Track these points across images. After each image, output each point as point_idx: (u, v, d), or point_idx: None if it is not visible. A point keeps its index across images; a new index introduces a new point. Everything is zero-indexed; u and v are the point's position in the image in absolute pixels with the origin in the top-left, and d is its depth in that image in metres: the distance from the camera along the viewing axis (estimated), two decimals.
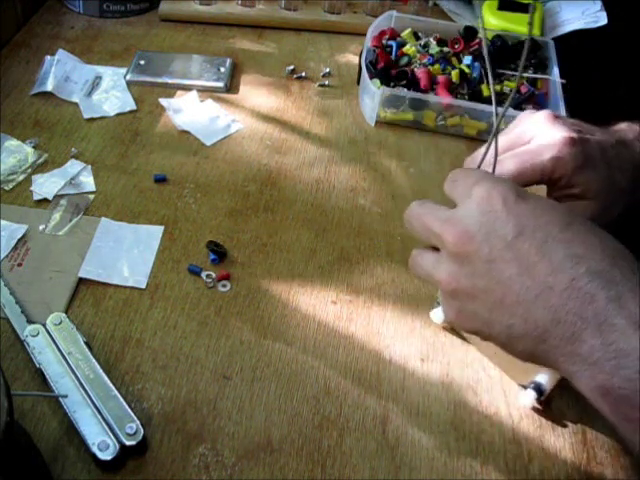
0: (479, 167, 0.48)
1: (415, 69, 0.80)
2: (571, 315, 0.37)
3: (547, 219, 0.39)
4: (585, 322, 0.37)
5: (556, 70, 0.81)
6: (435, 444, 0.51)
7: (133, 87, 0.80)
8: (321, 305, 0.59)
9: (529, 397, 0.52)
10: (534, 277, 0.38)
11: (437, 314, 0.58)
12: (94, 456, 0.46)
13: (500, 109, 0.46)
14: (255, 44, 0.91)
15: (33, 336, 0.52)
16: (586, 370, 0.37)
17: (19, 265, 0.59)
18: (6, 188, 0.66)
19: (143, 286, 0.59)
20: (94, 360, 0.51)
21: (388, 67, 0.80)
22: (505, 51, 0.84)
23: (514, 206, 0.40)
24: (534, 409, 0.53)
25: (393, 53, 0.83)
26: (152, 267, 0.61)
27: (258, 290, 0.60)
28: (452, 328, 0.58)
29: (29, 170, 0.68)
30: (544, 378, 0.52)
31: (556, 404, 0.54)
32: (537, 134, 0.52)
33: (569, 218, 0.40)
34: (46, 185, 0.67)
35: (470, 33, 0.84)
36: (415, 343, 0.57)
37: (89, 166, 0.69)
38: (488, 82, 0.80)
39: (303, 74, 0.85)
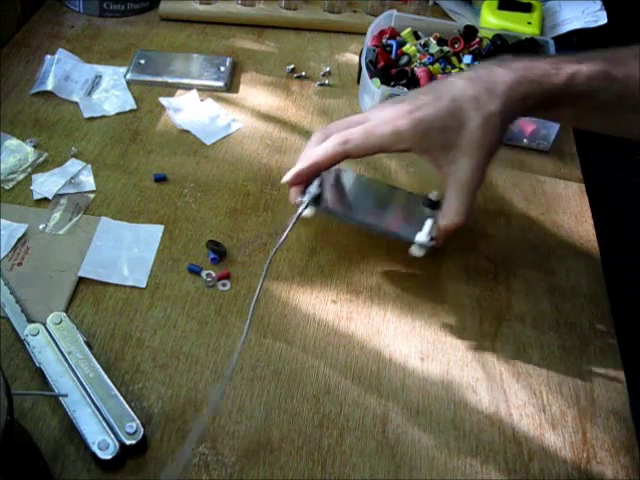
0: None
1: (415, 68, 0.80)
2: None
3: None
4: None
5: None
6: (435, 443, 0.51)
7: (133, 86, 0.80)
8: (321, 304, 0.59)
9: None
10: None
11: (421, 238, 0.58)
12: (94, 455, 0.46)
13: None
14: (255, 43, 0.91)
15: (33, 335, 0.52)
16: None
17: (19, 264, 0.59)
18: (6, 187, 0.66)
19: (143, 285, 0.59)
20: (94, 359, 0.51)
21: (388, 66, 0.80)
22: (505, 50, 0.84)
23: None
24: None
25: (393, 52, 0.83)
26: (152, 266, 0.61)
27: None
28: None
29: (29, 169, 0.68)
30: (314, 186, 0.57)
31: (556, 403, 0.54)
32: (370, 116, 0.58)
33: None
34: (46, 184, 0.67)
35: (470, 32, 0.84)
36: (415, 342, 0.57)
37: (89, 165, 0.70)
38: None
39: (303, 73, 0.85)
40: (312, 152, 0.58)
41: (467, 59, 0.82)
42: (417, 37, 0.86)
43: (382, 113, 0.57)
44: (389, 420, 0.52)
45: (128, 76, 0.81)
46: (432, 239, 0.57)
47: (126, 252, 0.61)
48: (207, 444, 0.49)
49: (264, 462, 0.49)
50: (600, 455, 0.51)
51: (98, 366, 0.51)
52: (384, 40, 0.84)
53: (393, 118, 0.56)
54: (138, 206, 0.66)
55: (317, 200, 0.58)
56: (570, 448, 0.51)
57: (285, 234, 0.54)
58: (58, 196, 0.66)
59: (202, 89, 0.81)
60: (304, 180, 0.58)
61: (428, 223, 0.58)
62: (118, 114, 0.76)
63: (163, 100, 0.79)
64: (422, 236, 0.57)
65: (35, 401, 0.50)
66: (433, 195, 0.62)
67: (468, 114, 0.55)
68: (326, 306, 0.59)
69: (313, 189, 0.57)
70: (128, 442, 0.47)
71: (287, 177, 0.58)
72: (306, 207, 0.57)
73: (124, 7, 0.91)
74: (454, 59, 0.83)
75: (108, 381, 0.50)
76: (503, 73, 0.55)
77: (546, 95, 0.55)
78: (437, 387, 0.54)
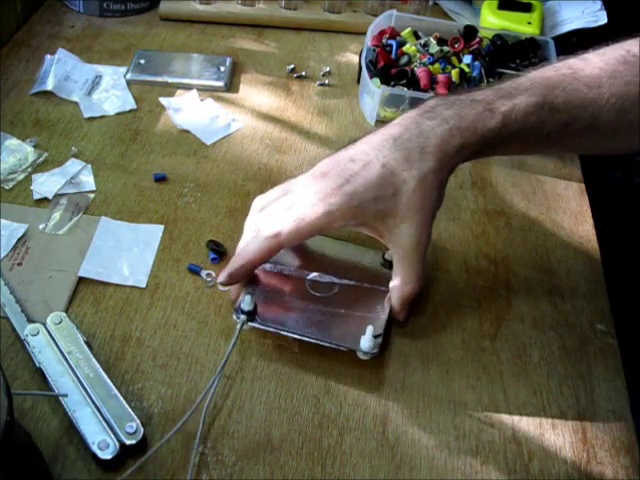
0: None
1: (415, 68, 0.80)
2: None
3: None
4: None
5: None
6: (435, 443, 0.51)
7: (133, 86, 0.80)
8: None
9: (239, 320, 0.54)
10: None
11: (364, 345, 0.53)
12: (94, 455, 0.46)
13: None
14: (255, 43, 0.91)
15: (33, 335, 0.52)
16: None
17: (19, 264, 0.59)
18: (6, 187, 0.66)
19: (143, 285, 0.59)
20: (94, 359, 0.51)
21: (388, 66, 0.80)
22: (505, 50, 0.84)
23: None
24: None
25: (393, 52, 0.83)
26: (152, 266, 0.61)
27: None
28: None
29: (29, 169, 0.68)
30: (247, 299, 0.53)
31: (556, 403, 0.54)
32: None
33: None
34: (46, 184, 0.67)
35: (470, 32, 0.84)
36: (415, 342, 0.57)
37: (89, 165, 0.70)
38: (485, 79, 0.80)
39: (303, 73, 0.85)
40: (245, 249, 0.55)
41: (467, 59, 0.82)
42: (417, 37, 0.86)
43: (311, 191, 0.53)
44: (389, 420, 0.52)
45: (128, 76, 0.81)
46: (377, 336, 0.53)
47: (126, 252, 0.61)
48: (207, 444, 0.49)
49: (264, 462, 0.49)
50: (600, 455, 0.51)
51: (98, 366, 0.51)
52: (384, 40, 0.84)
53: (323, 197, 0.52)
54: (138, 206, 0.66)
55: (252, 314, 0.54)
56: (570, 448, 0.51)
57: (227, 354, 0.52)
58: (58, 196, 0.66)
59: (202, 89, 0.81)
60: (240, 279, 0.56)
61: (369, 330, 0.52)
62: (118, 114, 0.76)
63: (163, 100, 0.79)
64: (365, 343, 0.53)
65: (35, 401, 0.50)
66: (388, 255, 0.59)
67: (401, 178, 0.52)
68: None
69: (245, 306, 0.53)
70: (128, 442, 0.47)
71: (221, 278, 0.55)
72: (242, 326, 0.54)
73: (124, 7, 0.91)
74: (454, 59, 0.83)
75: (108, 381, 0.50)
76: (433, 126, 0.52)
77: (482, 141, 0.53)
78: (437, 387, 0.54)
